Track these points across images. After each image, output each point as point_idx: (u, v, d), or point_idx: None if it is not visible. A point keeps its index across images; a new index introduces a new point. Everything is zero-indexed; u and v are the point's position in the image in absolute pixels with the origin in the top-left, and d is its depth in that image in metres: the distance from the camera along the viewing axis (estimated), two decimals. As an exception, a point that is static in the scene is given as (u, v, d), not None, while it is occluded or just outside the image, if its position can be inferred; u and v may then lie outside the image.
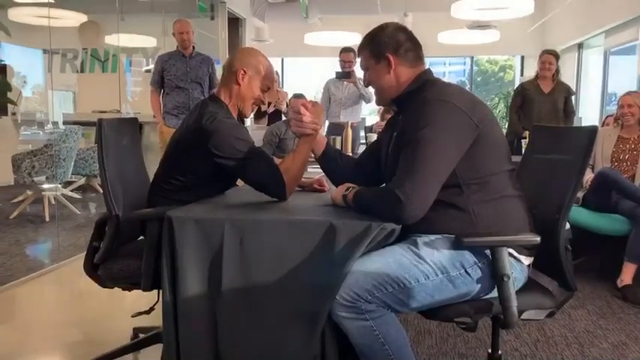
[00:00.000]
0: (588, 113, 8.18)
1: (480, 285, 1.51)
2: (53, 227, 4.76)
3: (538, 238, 1.51)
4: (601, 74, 7.83)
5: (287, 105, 5.70)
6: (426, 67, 1.69)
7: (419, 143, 1.48)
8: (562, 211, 1.60)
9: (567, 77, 7.88)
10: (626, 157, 3.39)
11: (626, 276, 3.02)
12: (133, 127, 2.22)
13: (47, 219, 4.93)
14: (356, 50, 4.82)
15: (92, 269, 1.92)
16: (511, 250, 1.53)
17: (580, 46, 8.45)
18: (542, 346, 2.35)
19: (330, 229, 1.47)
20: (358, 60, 1.78)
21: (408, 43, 1.66)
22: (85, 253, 1.94)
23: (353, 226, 1.47)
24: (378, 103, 1.82)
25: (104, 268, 1.88)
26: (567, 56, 8.66)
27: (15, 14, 6.00)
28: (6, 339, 2.47)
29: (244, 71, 1.98)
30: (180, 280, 1.54)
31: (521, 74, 10.19)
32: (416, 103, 1.57)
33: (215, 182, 1.96)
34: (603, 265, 3.32)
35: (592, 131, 1.60)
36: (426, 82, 1.64)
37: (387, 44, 1.65)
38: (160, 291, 1.62)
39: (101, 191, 2.02)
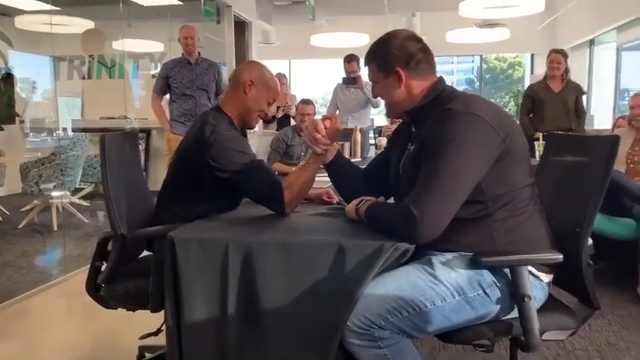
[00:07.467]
0: (601, 110, 8.05)
1: (499, 306, 1.43)
2: (61, 237, 4.72)
3: (560, 256, 1.43)
4: (613, 71, 7.69)
5: (295, 109, 5.64)
6: (438, 75, 1.60)
7: (442, 158, 1.38)
8: (583, 224, 1.52)
9: (579, 74, 7.77)
10: (643, 158, 3.29)
11: (645, 283, 2.92)
12: (134, 140, 2.16)
13: (55, 228, 4.90)
14: (360, 58, 4.74)
15: (95, 290, 1.86)
16: (530, 268, 1.45)
17: (591, 42, 8.32)
18: (562, 361, 2.27)
19: (340, 251, 1.39)
20: (364, 64, 1.68)
21: (420, 54, 1.55)
22: (87, 273, 1.88)
23: (364, 247, 1.39)
24: (389, 115, 1.74)
25: (108, 289, 1.82)
26: (578, 53, 8.53)
27: (21, 22, 6.00)
28: (9, 358, 2.43)
29: (252, 82, 1.94)
30: (185, 305, 1.47)
31: (532, 72, 10.06)
32: (437, 115, 1.46)
33: (221, 196, 1.90)
34: (622, 271, 3.20)
35: (614, 142, 1.52)
36: (441, 92, 1.53)
37: (396, 57, 1.54)
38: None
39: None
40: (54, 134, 6.46)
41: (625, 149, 3.34)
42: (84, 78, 7.83)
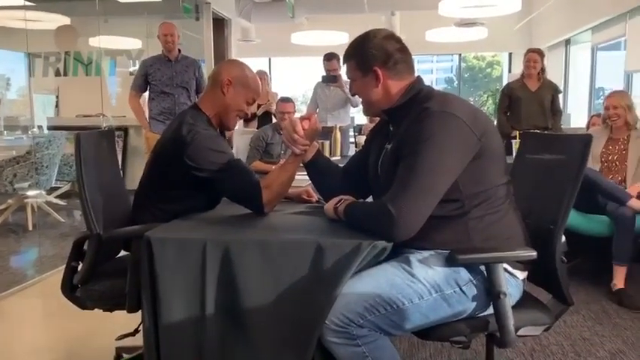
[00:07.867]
0: (577, 109, 8.19)
1: (475, 303, 1.45)
2: (36, 237, 4.64)
3: (534, 253, 1.46)
4: (589, 70, 7.83)
5: (276, 107, 5.63)
6: (416, 75, 1.61)
7: (419, 157, 1.40)
8: (557, 222, 1.55)
9: (555, 73, 7.88)
10: (615, 157, 3.35)
11: (618, 279, 2.97)
12: (111, 138, 2.13)
13: (30, 228, 4.81)
14: (340, 56, 4.76)
15: (71, 290, 1.84)
16: (505, 265, 1.47)
17: (567, 42, 8.45)
18: (538, 356, 2.30)
19: (318, 249, 1.39)
20: (342, 61, 1.68)
21: (398, 54, 1.56)
22: (63, 273, 1.86)
23: (342, 246, 1.39)
24: (366, 113, 1.75)
25: (84, 289, 1.80)
26: (555, 52, 8.66)
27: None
28: (-15, 360, 2.39)
29: (230, 81, 1.91)
30: (162, 305, 1.46)
31: (509, 71, 10.18)
32: (414, 114, 1.47)
33: (199, 195, 1.89)
34: (596, 267, 3.27)
35: (587, 141, 1.55)
36: (418, 92, 1.55)
37: (374, 56, 1.54)
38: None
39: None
40: (29, 132, 6.33)
41: (599, 148, 3.40)
42: (60, 75, 7.70)
